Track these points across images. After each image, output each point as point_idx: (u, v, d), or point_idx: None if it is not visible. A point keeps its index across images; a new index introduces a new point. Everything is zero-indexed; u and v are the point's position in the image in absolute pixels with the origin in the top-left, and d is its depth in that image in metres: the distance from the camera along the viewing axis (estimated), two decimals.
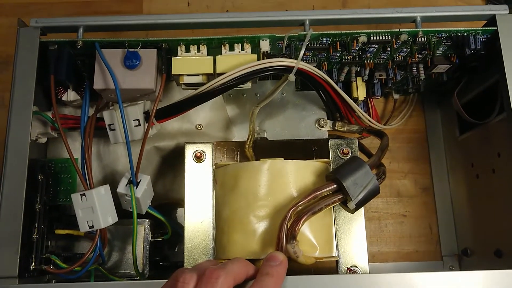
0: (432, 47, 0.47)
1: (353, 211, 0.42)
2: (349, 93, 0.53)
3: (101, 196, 0.42)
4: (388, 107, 0.63)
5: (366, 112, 0.53)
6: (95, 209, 0.41)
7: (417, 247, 0.60)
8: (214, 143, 0.47)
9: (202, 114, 0.51)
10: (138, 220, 0.47)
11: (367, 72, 0.51)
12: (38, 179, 0.43)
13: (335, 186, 0.41)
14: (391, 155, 0.62)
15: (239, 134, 0.52)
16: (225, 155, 0.48)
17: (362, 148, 0.55)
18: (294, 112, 0.53)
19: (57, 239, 0.47)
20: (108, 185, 0.44)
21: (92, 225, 0.42)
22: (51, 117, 0.44)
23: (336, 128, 0.51)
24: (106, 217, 0.42)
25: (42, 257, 0.42)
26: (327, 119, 0.52)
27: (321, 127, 0.52)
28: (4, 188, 0.40)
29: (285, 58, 0.43)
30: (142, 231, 0.48)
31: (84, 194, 0.42)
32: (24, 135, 0.42)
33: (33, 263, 0.41)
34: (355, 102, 0.51)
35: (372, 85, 0.54)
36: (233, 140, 0.51)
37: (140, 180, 0.45)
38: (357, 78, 0.53)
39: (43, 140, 0.46)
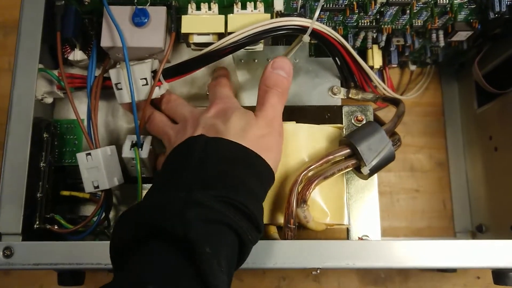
0: (454, 10, 0.45)
1: (366, 177, 0.40)
2: (365, 61, 0.51)
3: (107, 156, 0.41)
4: (403, 80, 0.61)
5: None
6: (100, 168, 0.41)
7: (429, 223, 0.58)
8: None
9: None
10: (144, 185, 0.45)
11: (384, 37, 0.49)
12: (43, 137, 0.42)
13: (348, 150, 0.40)
14: (405, 128, 0.60)
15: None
16: None
17: (376, 120, 0.53)
18: (306, 79, 0.51)
19: (62, 203, 0.46)
20: (114, 146, 0.43)
21: (98, 185, 0.41)
22: (57, 75, 0.43)
23: (350, 96, 0.49)
24: (112, 177, 0.41)
25: (46, 217, 0.41)
26: (341, 86, 0.50)
27: (335, 94, 0.50)
28: (8, 145, 0.39)
29: (299, 17, 0.41)
30: None
31: (89, 154, 0.41)
32: (29, 91, 0.41)
33: (37, 222, 0.40)
34: None
35: (388, 53, 0.52)
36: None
37: (144, 141, 0.43)
38: (373, 45, 0.51)
39: (49, 100, 0.45)
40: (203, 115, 0.39)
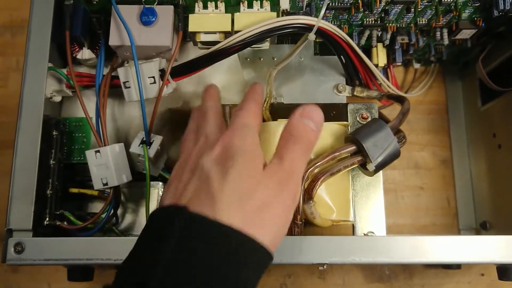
0: (459, 8, 0.45)
1: (372, 174, 0.41)
2: (369, 60, 0.51)
3: (115, 154, 0.42)
4: (407, 78, 0.62)
5: None
6: (109, 166, 0.41)
7: (434, 220, 0.58)
8: (230, 105, 0.46)
9: (218, 77, 0.50)
10: (152, 183, 0.46)
11: (388, 36, 0.49)
12: (53, 135, 0.42)
13: (354, 147, 0.40)
14: (409, 126, 0.60)
15: None
16: None
17: (381, 118, 0.53)
18: (312, 77, 0.51)
19: (71, 200, 0.47)
20: (122, 143, 0.43)
21: (107, 182, 0.41)
22: (66, 73, 0.43)
23: (355, 93, 0.50)
24: (121, 174, 0.42)
25: (56, 213, 0.42)
26: (346, 84, 0.51)
27: (340, 92, 0.50)
28: (18, 142, 0.40)
29: (305, 16, 0.42)
30: (156, 194, 0.48)
31: (98, 151, 0.41)
32: (39, 89, 0.41)
33: (47, 218, 0.41)
34: None
35: (393, 51, 0.52)
36: None
37: (153, 140, 0.44)
38: (378, 43, 0.51)
39: (58, 98, 0.46)
40: (207, 153, 0.32)
